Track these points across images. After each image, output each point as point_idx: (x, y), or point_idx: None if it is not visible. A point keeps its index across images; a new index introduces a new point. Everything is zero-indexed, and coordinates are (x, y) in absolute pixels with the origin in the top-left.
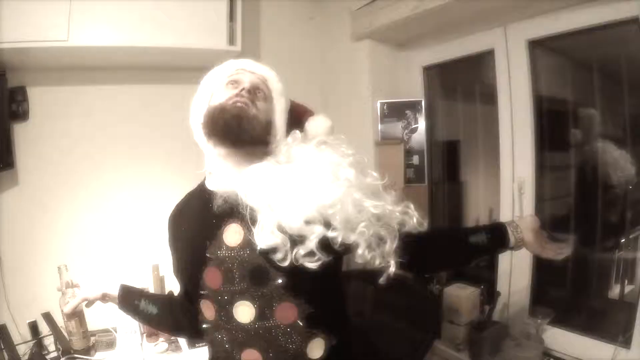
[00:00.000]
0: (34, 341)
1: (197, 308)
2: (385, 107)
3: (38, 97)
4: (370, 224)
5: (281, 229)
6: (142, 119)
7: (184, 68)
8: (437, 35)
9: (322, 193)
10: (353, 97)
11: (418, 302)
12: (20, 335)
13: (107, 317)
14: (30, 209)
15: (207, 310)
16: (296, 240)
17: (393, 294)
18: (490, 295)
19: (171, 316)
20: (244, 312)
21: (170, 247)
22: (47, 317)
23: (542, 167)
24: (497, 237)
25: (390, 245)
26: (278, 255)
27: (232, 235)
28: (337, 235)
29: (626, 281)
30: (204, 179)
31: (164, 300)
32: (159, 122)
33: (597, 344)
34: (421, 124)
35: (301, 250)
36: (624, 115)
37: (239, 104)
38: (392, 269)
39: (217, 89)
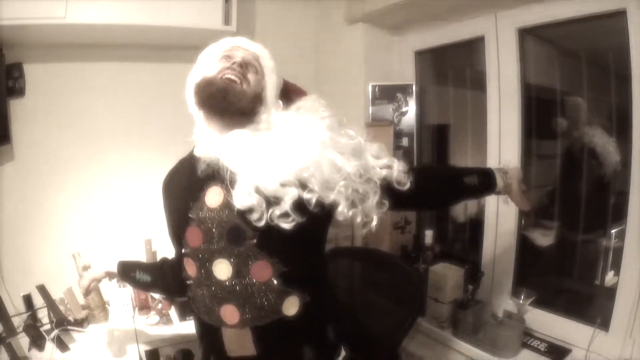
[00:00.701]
0: (28, 313)
1: (182, 266)
2: (376, 89)
3: (34, 74)
4: (349, 182)
5: (258, 191)
6: (137, 96)
7: (180, 47)
8: (430, 20)
9: (297, 156)
10: (346, 79)
11: (404, 280)
12: (14, 307)
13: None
14: (25, 183)
15: (190, 267)
16: (272, 202)
17: (380, 272)
18: (474, 275)
19: (162, 281)
20: (222, 269)
21: (164, 210)
22: (42, 289)
23: (528, 155)
24: (488, 181)
25: (372, 200)
26: (254, 216)
27: (212, 196)
28: (311, 197)
29: (608, 268)
30: (194, 146)
31: (155, 268)
32: (154, 99)
33: (576, 326)
34: (412, 107)
35: (276, 211)
36: (610, 104)
37: (227, 77)
38: (374, 223)
39: (211, 63)
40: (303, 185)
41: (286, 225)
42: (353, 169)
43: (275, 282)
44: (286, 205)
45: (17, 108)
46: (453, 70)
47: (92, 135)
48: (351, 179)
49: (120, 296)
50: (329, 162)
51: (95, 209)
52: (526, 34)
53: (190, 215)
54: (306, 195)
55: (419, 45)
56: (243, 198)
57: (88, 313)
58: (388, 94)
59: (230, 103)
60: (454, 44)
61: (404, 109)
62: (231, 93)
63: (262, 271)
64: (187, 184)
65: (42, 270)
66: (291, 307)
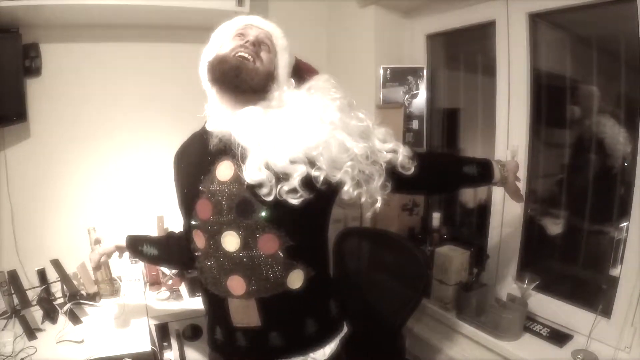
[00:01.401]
0: (42, 287)
1: (190, 238)
2: (388, 72)
3: (51, 54)
4: (356, 163)
5: (268, 167)
6: (150, 76)
7: (193, 27)
8: (442, 4)
9: (307, 135)
10: (357, 61)
11: (410, 260)
12: (28, 281)
13: (112, 266)
14: (41, 160)
15: (198, 239)
16: (281, 178)
17: (387, 252)
18: (479, 258)
19: (168, 254)
20: (231, 241)
21: (174, 183)
22: (56, 263)
23: (537, 141)
24: (486, 172)
25: (377, 182)
26: (264, 190)
27: (223, 170)
28: (319, 174)
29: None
30: (206, 122)
31: (161, 242)
32: (167, 79)
33: (579, 312)
34: (422, 91)
35: (285, 187)
36: (620, 92)
37: (240, 55)
38: (378, 204)
39: (224, 40)
40: (312, 163)
41: (294, 200)
42: (360, 150)
43: (281, 255)
44: (295, 181)
45: (34, 87)
46: (464, 54)
47: (106, 114)
48: (358, 160)
49: (132, 272)
50: (338, 142)
51: (108, 186)
52: (537, 19)
53: (201, 188)
54: (314, 173)
55: (431, 29)
56: (253, 173)
57: (100, 288)
58: (399, 76)
59: (242, 80)
60: (465, 28)
61: (414, 92)
62: (244, 71)
63: (269, 244)
64: (198, 157)
65: (56, 245)
66: (296, 280)
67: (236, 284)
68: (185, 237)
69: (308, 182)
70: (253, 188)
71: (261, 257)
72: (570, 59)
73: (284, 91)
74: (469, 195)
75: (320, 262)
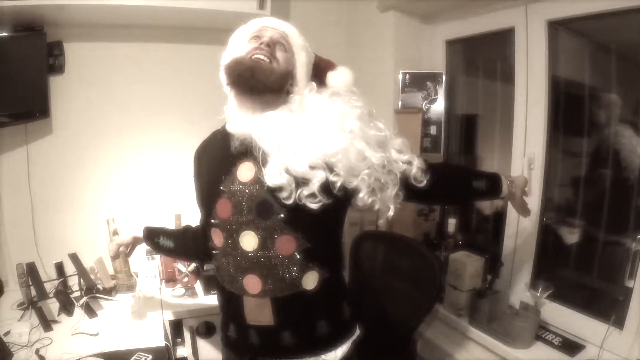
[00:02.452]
0: (59, 280)
1: (208, 235)
2: (406, 77)
3: (74, 52)
4: (372, 172)
5: (288, 171)
6: (171, 76)
7: (215, 29)
8: (461, 10)
9: (327, 142)
10: (376, 66)
11: (424, 266)
12: (46, 274)
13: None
14: (62, 156)
15: (217, 237)
16: (300, 182)
17: (401, 257)
18: (493, 265)
19: (183, 247)
20: (249, 241)
21: (194, 179)
22: (74, 257)
23: (554, 150)
24: (494, 187)
25: (391, 191)
26: (283, 194)
27: (244, 171)
28: (337, 180)
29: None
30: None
31: (177, 235)
32: (188, 79)
33: (591, 322)
34: (441, 96)
35: (304, 191)
36: (639, 101)
37: (255, 57)
38: (391, 212)
39: (241, 44)
40: (330, 169)
41: (313, 205)
42: (378, 160)
43: (297, 256)
44: (314, 186)
45: (57, 84)
46: (483, 61)
47: (126, 112)
48: (374, 168)
49: (148, 268)
50: (356, 150)
51: (127, 183)
52: (557, 26)
53: (221, 188)
54: (332, 178)
55: (450, 35)
56: (274, 177)
57: (116, 283)
58: (418, 82)
59: (258, 80)
60: (484, 34)
61: (433, 98)
62: (258, 70)
63: (287, 245)
64: (220, 157)
65: (74, 240)
66: (311, 281)
67: (252, 283)
68: (201, 232)
69: (326, 188)
70: (273, 190)
71: (278, 258)
72: (589, 67)
73: (305, 95)
74: (485, 202)
75: (334, 264)
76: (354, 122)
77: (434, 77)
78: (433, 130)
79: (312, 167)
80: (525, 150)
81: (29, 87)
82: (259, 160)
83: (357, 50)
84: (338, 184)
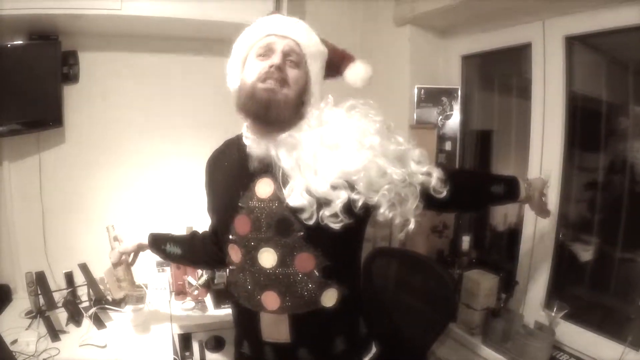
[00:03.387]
0: (68, 290)
1: (225, 251)
2: (422, 92)
3: (88, 61)
4: (392, 187)
5: (310, 192)
6: (184, 87)
7: (228, 40)
8: (477, 25)
9: (347, 160)
10: (391, 80)
11: (438, 284)
12: (55, 283)
13: (138, 273)
14: (74, 165)
15: (234, 254)
16: (322, 203)
17: (415, 274)
18: (508, 284)
19: (192, 254)
20: (267, 257)
21: (206, 188)
22: (84, 267)
23: (570, 166)
24: (512, 190)
25: (411, 205)
26: (305, 215)
27: (263, 188)
28: (359, 199)
29: None
30: (242, 132)
31: (185, 241)
32: (201, 91)
33: (607, 342)
34: (456, 112)
35: (326, 212)
36: None
37: (268, 88)
38: (412, 226)
39: (249, 57)
40: (351, 187)
41: (335, 225)
42: (399, 176)
43: (317, 273)
44: (336, 207)
45: (71, 94)
46: (499, 76)
47: (140, 122)
48: (395, 183)
49: (158, 280)
50: (377, 167)
51: (139, 194)
52: (573, 43)
53: (240, 204)
54: (354, 197)
55: (466, 50)
56: (296, 198)
57: (126, 294)
58: (433, 97)
59: (273, 117)
60: (501, 50)
61: (448, 113)
62: (273, 106)
63: (306, 262)
64: (236, 171)
65: (85, 250)
66: (330, 299)
67: (270, 300)
68: (209, 238)
69: (348, 207)
70: (293, 209)
71: (297, 275)
72: (607, 82)
73: (323, 110)
74: (499, 219)
75: (353, 281)
76: (374, 138)
77: (450, 93)
78: (448, 145)
79: (334, 187)
80: (541, 166)
81: (42, 96)
82: (279, 178)
83: (372, 65)
84: (360, 203)
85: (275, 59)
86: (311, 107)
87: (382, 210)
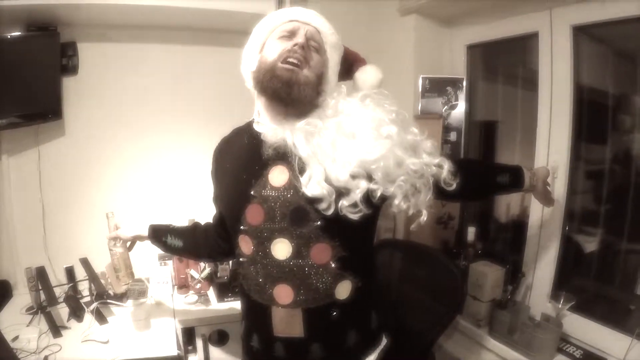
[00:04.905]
0: (69, 285)
1: (235, 242)
2: (427, 82)
3: (88, 53)
4: (408, 178)
5: (328, 181)
6: (185, 78)
7: (229, 30)
8: (483, 14)
9: (366, 149)
10: (396, 70)
11: (445, 276)
12: (56, 278)
13: (140, 267)
14: (74, 158)
15: (245, 245)
16: (341, 192)
17: (421, 266)
18: (514, 275)
19: (194, 246)
20: (282, 249)
21: (212, 177)
22: (85, 262)
23: (577, 158)
24: (517, 180)
25: (424, 196)
26: (323, 205)
27: (277, 176)
28: (377, 188)
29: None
30: (253, 119)
31: (187, 233)
32: (202, 82)
33: (614, 334)
34: (461, 102)
35: (345, 202)
36: None
37: (290, 66)
38: (424, 217)
39: (269, 39)
40: (369, 177)
41: (354, 215)
42: (416, 166)
43: (333, 265)
44: (356, 197)
45: (70, 85)
46: (505, 66)
47: (140, 115)
48: (410, 174)
49: (160, 274)
50: (395, 157)
51: (141, 186)
52: (581, 33)
53: (252, 193)
54: (372, 186)
55: (471, 40)
56: (314, 187)
57: (128, 288)
58: (438, 87)
59: (295, 96)
60: (506, 39)
61: (453, 103)
62: (295, 86)
63: (322, 254)
64: (248, 159)
65: (85, 244)
66: (343, 291)
67: (283, 293)
68: (213, 230)
69: (366, 197)
70: (310, 198)
71: (312, 267)
72: (613, 74)
73: (339, 100)
74: (504, 210)
75: (367, 272)
76: (391, 127)
77: (455, 83)
78: (453, 136)
79: (354, 177)
80: (548, 157)
81: (41, 88)
82: (294, 165)
83: (376, 53)
84: (378, 193)
85: (300, 38)
86: (327, 96)
87: (397, 201)
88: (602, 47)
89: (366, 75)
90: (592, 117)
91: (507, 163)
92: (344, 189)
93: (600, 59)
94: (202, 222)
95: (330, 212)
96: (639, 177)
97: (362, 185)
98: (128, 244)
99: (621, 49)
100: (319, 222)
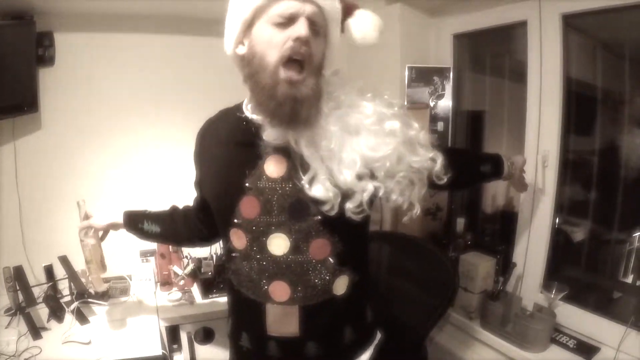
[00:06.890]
0: (49, 284)
1: (227, 237)
2: (413, 71)
3: (65, 43)
4: (407, 174)
5: (334, 183)
6: (166, 68)
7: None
8: (470, 2)
9: (371, 147)
10: (382, 60)
11: (435, 267)
12: (35, 278)
13: (122, 264)
14: (51, 152)
15: (238, 239)
16: (346, 194)
17: (411, 258)
18: (505, 266)
19: (172, 231)
20: (279, 244)
21: (195, 160)
22: (64, 260)
23: (567, 148)
24: (497, 169)
25: (419, 190)
26: (326, 207)
27: (273, 166)
28: (379, 186)
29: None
30: (243, 101)
31: (164, 217)
32: (183, 72)
33: (608, 324)
34: (448, 92)
35: (350, 205)
36: None
37: (291, 79)
38: (417, 211)
39: (259, 25)
40: (372, 175)
41: (358, 217)
42: (418, 164)
43: (331, 260)
44: (363, 199)
45: (46, 77)
46: (492, 55)
47: (119, 106)
48: (409, 169)
49: (142, 271)
50: (398, 154)
51: (121, 180)
52: (570, 25)
53: (247, 185)
54: (375, 184)
55: (458, 29)
56: (319, 190)
57: (89, 269)
58: (424, 76)
59: (302, 119)
60: (494, 28)
61: (440, 93)
62: (300, 106)
63: (321, 249)
64: (239, 146)
65: (64, 241)
66: (341, 286)
67: (279, 290)
68: (194, 213)
69: (371, 197)
70: (312, 196)
71: (311, 263)
72: (601, 66)
73: (342, 92)
74: (491, 201)
75: (363, 266)
76: (394, 122)
77: (441, 72)
78: (440, 126)
79: (359, 178)
80: (538, 147)
81: (16, 80)
82: (294, 157)
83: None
84: (381, 192)
85: (302, 28)
86: (326, 84)
87: (394, 197)
88: (590, 39)
89: (360, 23)
90: (581, 107)
91: (487, 152)
92: (350, 190)
93: (588, 51)
94: (181, 206)
95: (333, 213)
96: (629, 167)
97: (369, 188)
98: (100, 233)
99: (608, 41)
100: (319, 217)
